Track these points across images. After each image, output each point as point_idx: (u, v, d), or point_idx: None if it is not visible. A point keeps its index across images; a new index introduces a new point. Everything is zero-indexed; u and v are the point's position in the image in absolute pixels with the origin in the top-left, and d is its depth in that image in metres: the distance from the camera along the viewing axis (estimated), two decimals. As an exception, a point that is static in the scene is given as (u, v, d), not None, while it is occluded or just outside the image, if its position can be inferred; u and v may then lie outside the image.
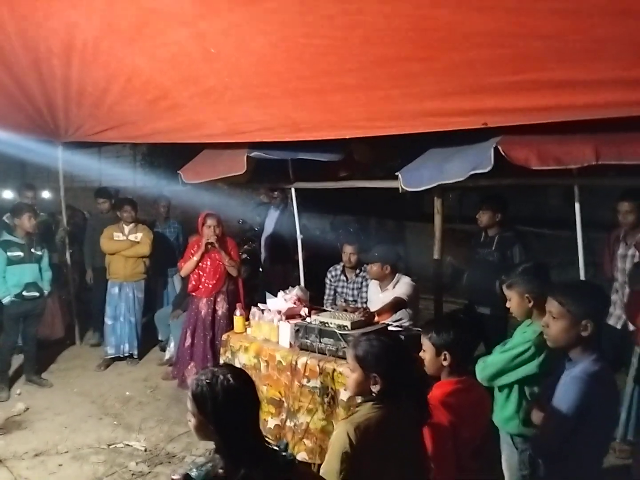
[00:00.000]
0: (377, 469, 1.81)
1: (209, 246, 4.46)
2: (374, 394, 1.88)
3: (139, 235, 5.30)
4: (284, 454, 1.57)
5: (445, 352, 2.21)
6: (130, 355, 5.39)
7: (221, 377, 1.53)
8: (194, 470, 1.47)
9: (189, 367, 4.52)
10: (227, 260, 4.51)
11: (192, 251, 4.62)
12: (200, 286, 4.60)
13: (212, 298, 4.59)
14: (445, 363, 2.21)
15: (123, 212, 5.28)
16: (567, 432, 1.94)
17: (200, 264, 4.56)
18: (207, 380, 1.53)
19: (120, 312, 5.30)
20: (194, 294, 4.64)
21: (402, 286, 3.83)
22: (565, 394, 1.97)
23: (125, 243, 5.24)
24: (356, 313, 3.44)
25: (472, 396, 2.26)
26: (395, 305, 3.68)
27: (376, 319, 3.49)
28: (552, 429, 1.99)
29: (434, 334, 2.24)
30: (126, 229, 5.30)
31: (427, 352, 2.27)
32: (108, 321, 5.29)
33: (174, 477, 1.47)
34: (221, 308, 4.58)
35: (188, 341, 4.55)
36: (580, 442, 1.95)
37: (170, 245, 5.91)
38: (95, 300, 5.72)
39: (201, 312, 4.54)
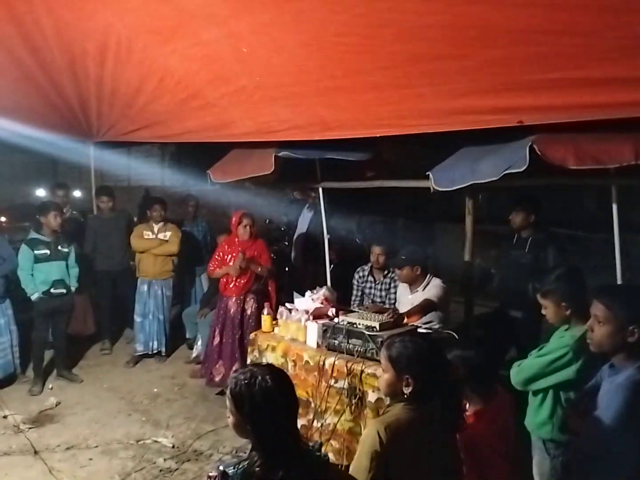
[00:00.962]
0: (407, 470, 1.79)
1: (240, 268, 4.52)
2: (405, 396, 1.86)
3: (168, 234, 5.37)
4: (318, 453, 1.56)
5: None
6: (159, 353, 5.46)
7: (260, 377, 1.53)
8: (231, 468, 1.47)
9: (217, 366, 4.55)
10: (259, 270, 4.62)
11: (222, 252, 4.66)
12: (231, 285, 4.63)
13: (241, 297, 4.61)
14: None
15: (153, 212, 5.35)
16: (610, 441, 1.88)
17: (230, 262, 4.60)
18: (246, 380, 1.53)
19: (149, 310, 5.38)
20: (224, 292, 4.67)
21: (432, 288, 3.77)
22: (610, 402, 1.91)
23: (155, 241, 5.32)
24: (385, 314, 3.41)
25: None
26: (425, 307, 3.62)
27: (405, 320, 3.45)
28: (595, 437, 1.93)
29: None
30: (155, 227, 5.37)
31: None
32: (137, 318, 5.37)
33: (210, 474, 1.48)
34: (250, 307, 4.60)
35: (217, 340, 4.58)
36: (624, 450, 1.89)
37: (198, 244, 5.96)
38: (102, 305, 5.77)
39: (230, 311, 4.56)
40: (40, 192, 7.66)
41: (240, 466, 1.47)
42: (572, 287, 2.43)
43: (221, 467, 1.49)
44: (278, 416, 1.51)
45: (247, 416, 1.51)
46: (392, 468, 1.76)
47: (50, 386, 4.83)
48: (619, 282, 3.42)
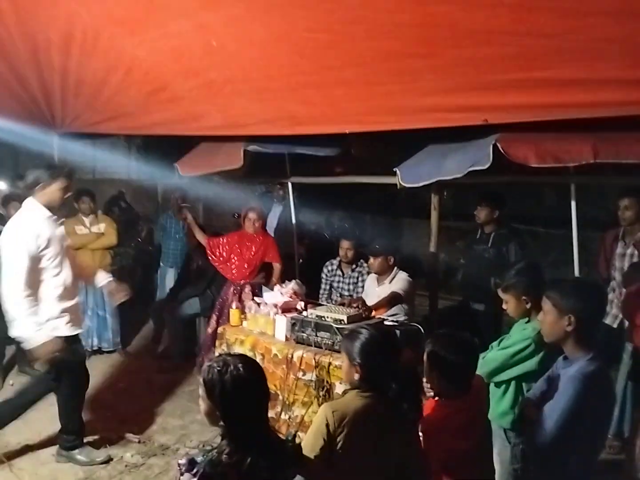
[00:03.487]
0: (357, 453, 1.88)
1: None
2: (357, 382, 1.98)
3: (102, 226, 5.19)
4: (290, 444, 1.58)
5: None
6: (99, 349, 5.29)
7: (232, 366, 1.55)
8: (200, 456, 1.48)
9: (211, 353, 4.52)
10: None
11: (228, 243, 4.73)
12: (233, 271, 4.68)
13: (239, 287, 4.63)
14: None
15: (81, 204, 5.11)
16: (562, 431, 1.96)
17: (231, 248, 4.68)
18: (218, 368, 1.55)
19: (88, 306, 5.16)
20: (226, 276, 4.72)
21: (399, 281, 3.84)
22: (561, 393, 1.99)
23: (91, 236, 5.12)
24: (353, 305, 3.46)
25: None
26: (392, 300, 3.70)
27: (372, 313, 3.51)
28: (547, 427, 2.01)
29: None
30: (87, 221, 5.15)
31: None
32: None
33: (180, 461, 1.50)
34: (247, 298, 4.56)
35: (213, 327, 4.56)
36: (575, 440, 1.97)
37: (173, 238, 5.83)
38: None
39: (228, 299, 4.54)
40: (1, 185, 7.41)
41: (209, 454, 1.49)
42: (532, 281, 2.50)
43: (189, 455, 1.51)
44: (248, 404, 1.54)
45: (218, 403, 1.53)
46: (341, 449, 1.84)
47: (11, 382, 4.71)
48: (577, 276, 3.56)
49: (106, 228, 5.21)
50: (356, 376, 1.97)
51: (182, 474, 1.49)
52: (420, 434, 2.18)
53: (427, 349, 2.20)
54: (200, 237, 4.81)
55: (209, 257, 4.75)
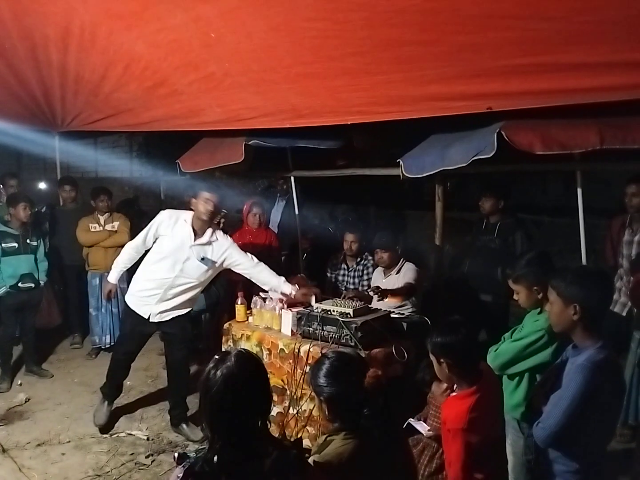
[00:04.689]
0: None
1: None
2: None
3: (116, 224, 5.22)
4: (295, 451, 1.52)
5: (441, 359, 2.11)
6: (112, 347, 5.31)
7: (222, 365, 1.49)
8: (193, 452, 1.46)
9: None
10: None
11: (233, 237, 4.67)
12: None
13: (247, 284, 4.57)
14: (446, 370, 2.12)
15: (99, 202, 5.15)
16: (570, 420, 1.94)
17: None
18: (209, 367, 1.51)
19: (102, 304, 5.21)
20: (232, 277, 4.64)
21: (407, 272, 3.83)
22: (570, 382, 1.96)
23: (104, 234, 5.15)
24: (369, 292, 3.61)
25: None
26: (409, 290, 3.72)
27: (387, 299, 3.57)
28: (556, 417, 1.99)
29: (429, 343, 2.15)
30: (102, 219, 5.20)
31: (433, 361, 2.17)
32: (92, 312, 5.24)
33: (175, 454, 1.48)
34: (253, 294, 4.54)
35: (222, 323, 4.51)
36: (585, 429, 1.95)
37: None
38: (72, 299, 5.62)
39: (235, 296, 4.50)
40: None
41: (201, 453, 1.46)
42: (543, 271, 2.44)
43: (181, 450, 1.49)
44: (236, 405, 1.46)
45: (205, 403, 1.51)
46: None
47: (19, 382, 4.72)
48: (584, 264, 3.52)
49: (120, 226, 5.23)
50: (328, 416, 1.86)
51: (176, 467, 1.48)
52: (447, 431, 2.13)
53: (429, 348, 2.16)
54: None
55: None
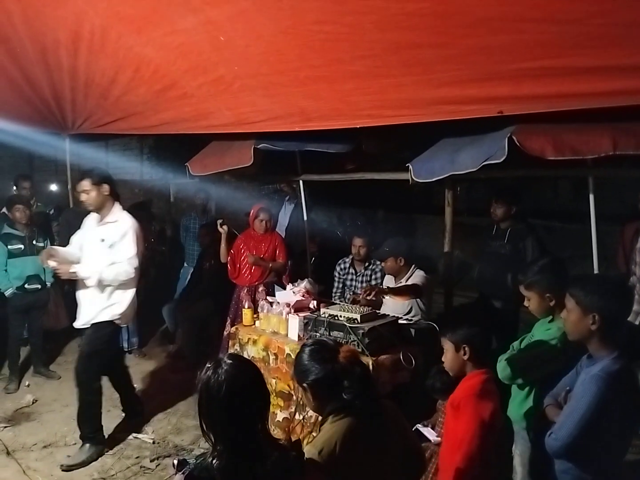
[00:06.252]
0: (362, 472, 1.79)
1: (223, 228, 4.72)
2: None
3: None
4: (294, 453, 1.52)
5: (465, 346, 2.25)
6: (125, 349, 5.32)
7: (217, 371, 1.50)
8: (193, 459, 1.46)
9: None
10: (270, 266, 4.70)
11: (237, 247, 4.74)
12: (246, 274, 4.70)
13: (252, 288, 4.64)
14: (465, 357, 2.25)
15: None
16: (583, 432, 1.90)
17: (238, 252, 4.70)
18: (206, 373, 1.51)
19: None
20: (234, 280, 4.75)
21: (415, 278, 3.79)
22: (584, 392, 1.93)
23: None
24: (365, 291, 3.57)
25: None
26: (413, 288, 3.70)
27: (396, 297, 3.64)
28: (569, 428, 1.95)
29: (451, 332, 2.28)
30: None
31: (448, 352, 2.32)
32: None
33: (174, 461, 1.48)
34: (261, 299, 4.54)
35: (228, 329, 4.54)
36: (598, 441, 1.91)
37: (195, 238, 5.81)
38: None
39: (242, 301, 4.52)
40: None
41: (201, 458, 1.46)
42: (556, 278, 2.42)
43: (181, 457, 1.48)
44: (234, 410, 1.47)
45: (204, 410, 1.51)
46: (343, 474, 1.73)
47: (27, 383, 4.74)
48: (596, 271, 3.46)
49: None
50: (310, 400, 1.91)
51: (175, 474, 1.47)
52: (456, 407, 2.22)
53: (451, 337, 2.29)
54: (224, 253, 4.79)
55: (228, 273, 4.78)
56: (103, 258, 3.55)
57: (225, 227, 4.75)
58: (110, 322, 3.62)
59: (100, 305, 3.60)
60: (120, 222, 3.62)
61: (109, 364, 3.78)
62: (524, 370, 2.40)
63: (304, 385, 1.89)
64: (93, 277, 3.50)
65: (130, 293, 3.69)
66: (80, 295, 3.67)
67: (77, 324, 3.68)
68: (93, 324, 3.60)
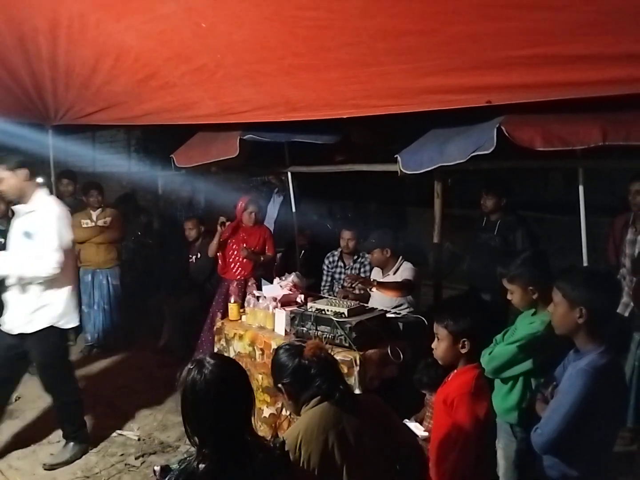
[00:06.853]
0: (342, 460, 1.77)
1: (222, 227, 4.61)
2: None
3: (109, 220, 5.16)
4: (278, 452, 1.48)
5: (465, 340, 2.17)
6: (105, 344, 5.28)
7: (198, 372, 1.46)
8: (176, 463, 1.41)
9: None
10: (261, 260, 4.66)
11: (226, 234, 4.66)
12: (233, 269, 4.64)
13: (242, 281, 4.57)
14: (463, 351, 2.19)
15: (89, 197, 5.12)
16: (569, 427, 1.88)
17: (226, 246, 4.64)
18: (189, 374, 1.46)
19: (94, 300, 5.18)
20: (223, 275, 4.68)
21: (404, 271, 3.76)
22: (570, 387, 1.91)
23: (95, 229, 5.10)
24: (348, 281, 3.63)
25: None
26: (404, 286, 3.66)
27: (386, 292, 3.63)
28: (554, 423, 1.92)
29: (452, 322, 2.19)
30: (94, 214, 5.15)
31: (443, 342, 2.22)
32: (85, 309, 5.17)
33: (155, 468, 1.43)
34: (249, 292, 4.47)
35: (215, 323, 4.46)
36: (585, 436, 1.89)
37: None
38: None
39: (231, 295, 4.43)
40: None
41: (185, 462, 1.41)
42: (539, 271, 2.42)
43: (164, 463, 1.43)
44: (217, 412, 1.44)
45: (187, 412, 1.48)
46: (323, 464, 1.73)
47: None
48: (585, 263, 3.43)
49: (112, 222, 5.17)
50: (287, 400, 1.92)
51: None
52: (449, 405, 2.17)
53: (452, 329, 2.19)
54: (213, 249, 4.69)
55: (218, 268, 4.74)
56: (26, 253, 3.13)
57: (224, 227, 4.66)
58: (52, 328, 3.25)
59: (28, 307, 3.20)
60: (40, 210, 3.17)
61: (70, 363, 3.67)
62: (507, 363, 2.38)
63: (279, 386, 1.91)
64: (11, 274, 3.14)
65: (65, 292, 3.29)
66: (8, 296, 3.26)
67: (5, 328, 3.26)
68: (34, 332, 3.22)
